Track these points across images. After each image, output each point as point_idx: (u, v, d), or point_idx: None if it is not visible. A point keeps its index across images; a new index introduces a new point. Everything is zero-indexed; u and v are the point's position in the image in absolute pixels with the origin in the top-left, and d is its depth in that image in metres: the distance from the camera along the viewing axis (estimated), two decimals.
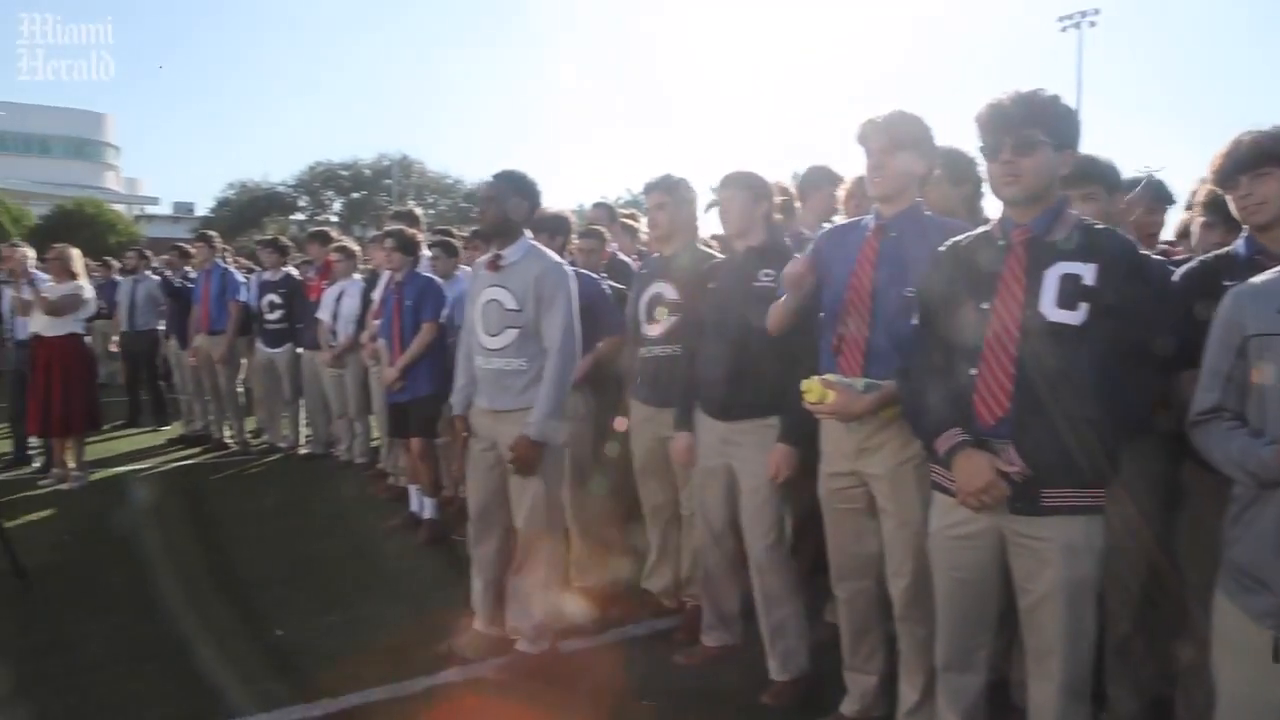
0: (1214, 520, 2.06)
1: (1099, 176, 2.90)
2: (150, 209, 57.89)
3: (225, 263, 8.42)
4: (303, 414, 8.13)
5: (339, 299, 7.04)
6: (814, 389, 2.75)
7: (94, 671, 3.63)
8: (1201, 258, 2.71)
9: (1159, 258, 3.14)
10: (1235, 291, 2.00)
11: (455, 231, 6.70)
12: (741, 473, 3.40)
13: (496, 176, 3.70)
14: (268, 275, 8.09)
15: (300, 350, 7.79)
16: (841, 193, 3.71)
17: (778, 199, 3.58)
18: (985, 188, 2.93)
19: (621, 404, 4.34)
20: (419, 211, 7.14)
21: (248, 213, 46.06)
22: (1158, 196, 3.69)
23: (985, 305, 2.31)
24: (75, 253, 7.00)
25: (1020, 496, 2.26)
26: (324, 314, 7.15)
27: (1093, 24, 33.85)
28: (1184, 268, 2.69)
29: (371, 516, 5.96)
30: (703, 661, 3.67)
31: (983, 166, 2.45)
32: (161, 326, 9.41)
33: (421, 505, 5.62)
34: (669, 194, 3.86)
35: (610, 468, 4.43)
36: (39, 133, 57.35)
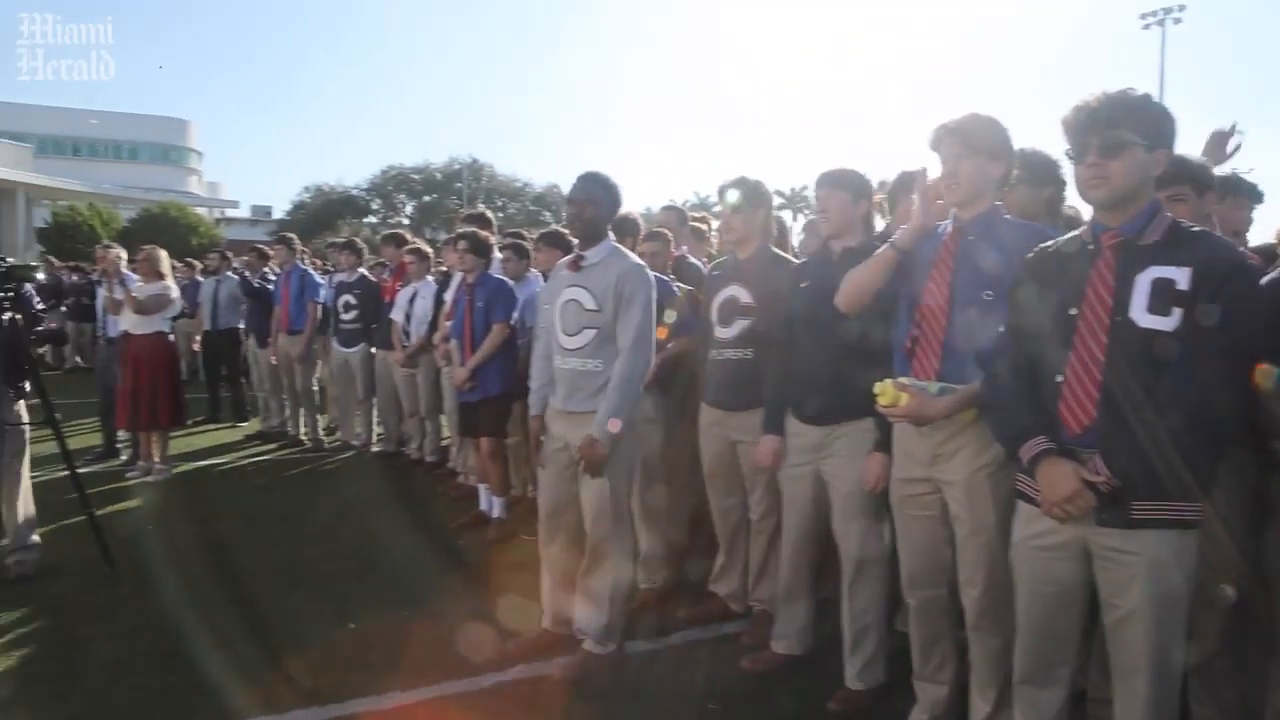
0: None
1: (1188, 176, 2.80)
2: (230, 212, 59.81)
3: (304, 264, 8.61)
4: (375, 412, 8.31)
5: (412, 300, 7.16)
6: (887, 391, 2.71)
7: (173, 657, 3.74)
8: None
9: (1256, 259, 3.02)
10: None
11: (526, 234, 6.77)
12: (835, 479, 3.35)
13: (583, 178, 3.70)
14: (343, 276, 8.27)
15: (374, 350, 7.94)
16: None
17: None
18: (1069, 190, 2.87)
19: (691, 406, 4.33)
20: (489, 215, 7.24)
21: (322, 215, 47.28)
22: (1240, 191, 3.55)
23: (1073, 311, 2.25)
24: (163, 254, 7.27)
25: (1108, 508, 2.19)
26: (397, 315, 7.28)
27: (1177, 21, 32.73)
28: (1271, 275, 2.59)
29: (441, 514, 6.04)
30: (769, 667, 3.64)
31: (1067, 169, 2.39)
32: (242, 325, 9.69)
33: (490, 504, 5.68)
34: (745, 196, 3.82)
35: (679, 470, 4.43)
36: (128, 139, 59.75)
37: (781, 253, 4.07)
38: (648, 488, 4.34)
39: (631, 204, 4.51)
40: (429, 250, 7.71)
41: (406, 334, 7.18)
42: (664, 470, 4.41)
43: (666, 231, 5.05)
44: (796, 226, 10.29)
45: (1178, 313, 2.12)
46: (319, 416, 8.77)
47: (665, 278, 4.57)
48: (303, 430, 8.63)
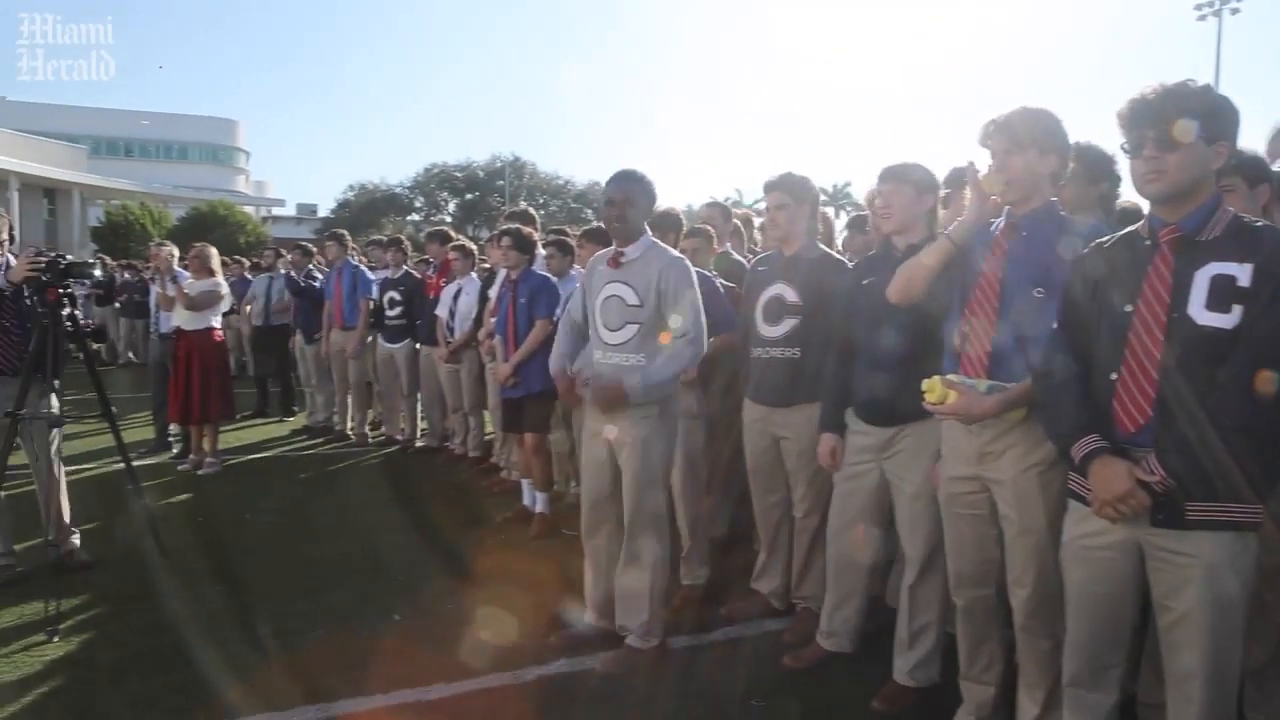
0: None
1: (1240, 168, 2.74)
2: (276, 210, 60.75)
3: (356, 261, 8.71)
4: (419, 407, 8.39)
5: (456, 296, 7.23)
6: (935, 388, 2.68)
7: (223, 646, 3.82)
8: None
9: None
10: None
11: (570, 231, 6.79)
12: (900, 479, 3.30)
13: (620, 177, 3.70)
14: (389, 273, 8.36)
15: (418, 346, 8.03)
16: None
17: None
18: (1124, 186, 2.81)
19: (729, 403, 4.33)
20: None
21: (366, 213, 47.82)
22: None
23: (1128, 307, 2.21)
24: (213, 251, 7.42)
25: (1163, 508, 2.15)
26: (442, 311, 7.36)
27: (1234, 11, 31.90)
28: None
29: (484, 509, 6.09)
30: (812, 665, 3.62)
31: (1121, 164, 2.35)
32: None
33: (533, 499, 5.72)
34: (790, 194, 3.80)
35: (720, 466, 4.43)
36: (179, 139, 60.97)
37: (830, 250, 4.04)
38: (690, 484, 4.34)
39: (673, 201, 4.50)
40: (473, 247, 7.77)
41: (450, 330, 7.25)
42: (706, 467, 4.41)
43: (709, 228, 5.04)
44: (839, 224, 10.20)
45: (1238, 309, 2.07)
46: (367, 412, 8.87)
47: (708, 274, 4.56)
48: (350, 425, 8.75)
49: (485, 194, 51.90)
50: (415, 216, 51.98)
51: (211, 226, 36.65)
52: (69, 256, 4.61)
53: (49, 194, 46.87)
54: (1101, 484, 2.19)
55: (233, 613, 4.21)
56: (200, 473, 7.10)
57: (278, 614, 4.16)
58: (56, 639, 3.83)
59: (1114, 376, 2.22)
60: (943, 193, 3.35)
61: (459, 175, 52.72)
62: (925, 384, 2.70)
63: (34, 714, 3.27)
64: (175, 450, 7.75)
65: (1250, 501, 2.12)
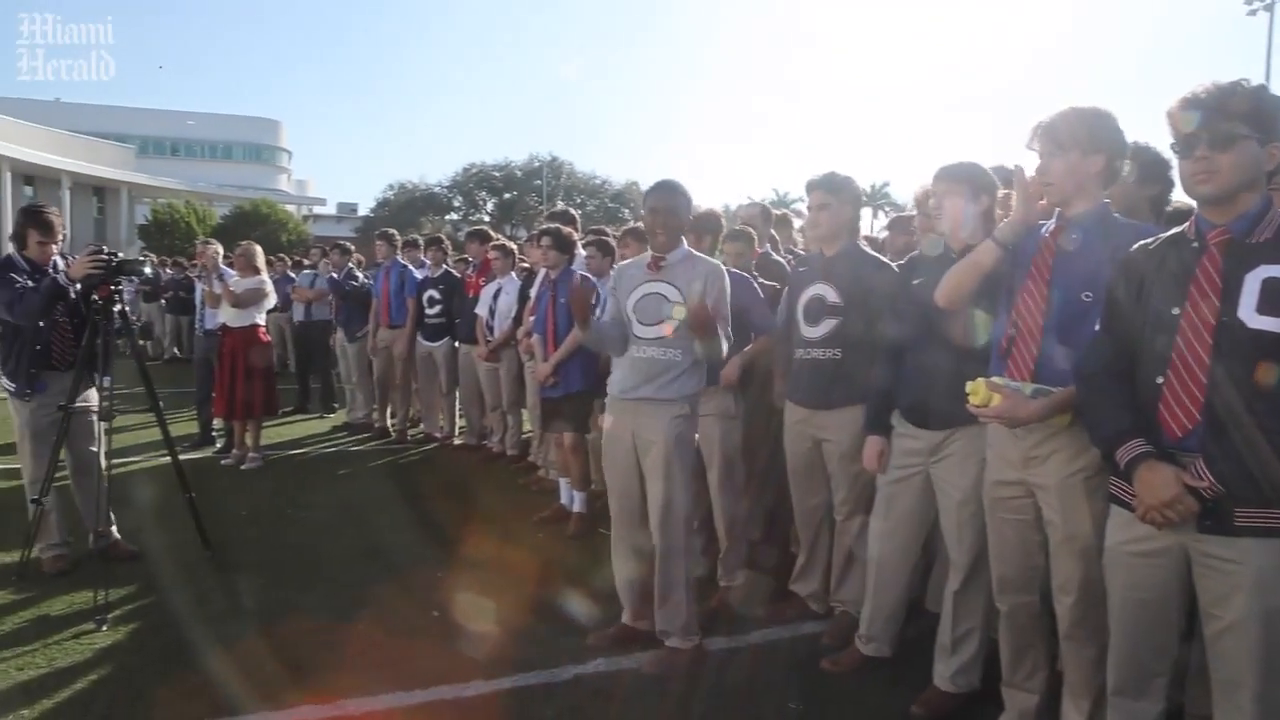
0: None
1: None
2: (317, 209, 61.54)
3: (403, 260, 8.80)
4: (457, 405, 8.45)
5: (496, 295, 7.28)
6: (979, 391, 2.63)
7: (265, 638, 3.88)
8: None
9: None
10: None
11: (610, 231, 6.81)
12: (947, 484, 3.25)
13: (662, 187, 3.68)
14: (428, 272, 8.44)
15: (457, 344, 8.09)
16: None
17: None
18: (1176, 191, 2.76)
19: (765, 404, 4.32)
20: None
21: (405, 213, 48.29)
22: None
23: (1175, 310, 2.18)
24: (258, 249, 7.55)
25: (1210, 514, 2.11)
26: (481, 309, 7.41)
27: None
28: None
29: (522, 507, 6.13)
30: (850, 669, 3.60)
31: (1174, 167, 2.30)
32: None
33: (571, 498, 5.74)
34: (833, 193, 3.78)
35: (757, 468, 4.41)
36: (223, 139, 61.97)
37: (872, 251, 4.01)
38: (728, 485, 4.33)
39: (711, 202, 4.49)
40: (513, 246, 7.82)
41: (490, 329, 7.30)
42: (744, 468, 4.40)
43: (750, 230, 5.02)
44: (878, 224, 10.13)
45: None
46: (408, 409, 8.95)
47: (749, 275, 4.55)
48: (390, 422, 8.83)
49: (523, 193, 52.23)
50: (454, 216, 52.45)
51: (254, 225, 37.25)
52: (119, 254, 4.71)
53: (98, 192, 48.01)
54: (1148, 489, 2.16)
55: (274, 605, 4.27)
56: (243, 468, 7.22)
57: (318, 607, 4.23)
58: (105, 628, 3.92)
59: (1160, 380, 2.19)
60: (1001, 193, 3.28)
61: (497, 175, 53.08)
62: (969, 386, 2.66)
63: (84, 701, 3.35)
64: (219, 445, 7.88)
65: None
